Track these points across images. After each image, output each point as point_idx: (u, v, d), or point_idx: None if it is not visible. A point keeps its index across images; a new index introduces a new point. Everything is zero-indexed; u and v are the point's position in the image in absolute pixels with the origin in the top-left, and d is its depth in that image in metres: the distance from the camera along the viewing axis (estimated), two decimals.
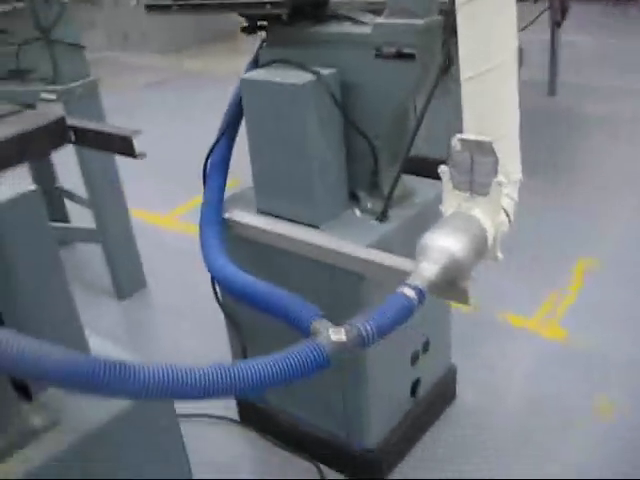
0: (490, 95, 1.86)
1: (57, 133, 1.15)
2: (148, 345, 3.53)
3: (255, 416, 2.84)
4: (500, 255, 1.96)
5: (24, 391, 1.60)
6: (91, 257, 4.23)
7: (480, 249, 1.87)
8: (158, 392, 1.31)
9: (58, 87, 3.48)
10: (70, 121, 1.16)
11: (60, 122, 1.15)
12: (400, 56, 2.12)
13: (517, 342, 3.29)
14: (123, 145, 1.13)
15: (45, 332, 1.41)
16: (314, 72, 2.17)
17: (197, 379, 1.35)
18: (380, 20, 2.14)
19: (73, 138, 1.17)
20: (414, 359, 2.59)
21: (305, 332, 1.67)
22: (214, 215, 2.36)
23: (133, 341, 3.57)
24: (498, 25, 1.80)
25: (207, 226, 2.31)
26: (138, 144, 1.26)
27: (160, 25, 9.67)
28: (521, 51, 6.04)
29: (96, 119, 3.65)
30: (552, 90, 6.64)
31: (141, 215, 4.51)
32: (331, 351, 1.53)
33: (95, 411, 1.57)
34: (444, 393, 2.86)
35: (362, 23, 2.25)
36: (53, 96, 3.50)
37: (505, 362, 3.16)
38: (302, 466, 2.67)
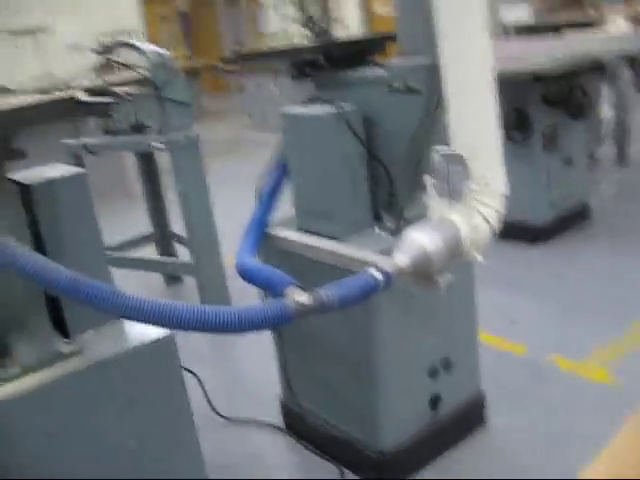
0: (469, 116, 2.17)
1: (70, 104, 1.61)
2: (224, 363, 3.93)
3: (295, 422, 3.14)
4: (479, 257, 2.21)
5: (62, 330, 2.04)
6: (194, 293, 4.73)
7: (453, 248, 2.14)
8: (136, 315, 1.71)
9: (166, 137, 4.10)
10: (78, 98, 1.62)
11: (71, 99, 1.61)
12: (408, 91, 2.48)
13: (560, 382, 3.38)
14: (105, 108, 1.59)
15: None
16: (337, 106, 2.57)
17: (180, 312, 1.73)
18: (392, 61, 2.53)
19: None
20: (433, 373, 2.81)
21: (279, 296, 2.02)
22: (255, 228, 2.77)
23: (215, 360, 4.00)
24: (474, 55, 2.14)
25: (246, 235, 2.72)
26: None
27: None
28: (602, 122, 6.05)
29: (196, 166, 4.24)
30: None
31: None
32: (293, 309, 1.87)
33: (110, 348, 1.98)
34: (470, 416, 3.02)
35: (382, 66, 2.63)
36: (161, 145, 4.12)
37: (542, 399, 3.26)
38: (327, 467, 2.92)
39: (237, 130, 11.49)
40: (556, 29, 7.31)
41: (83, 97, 1.65)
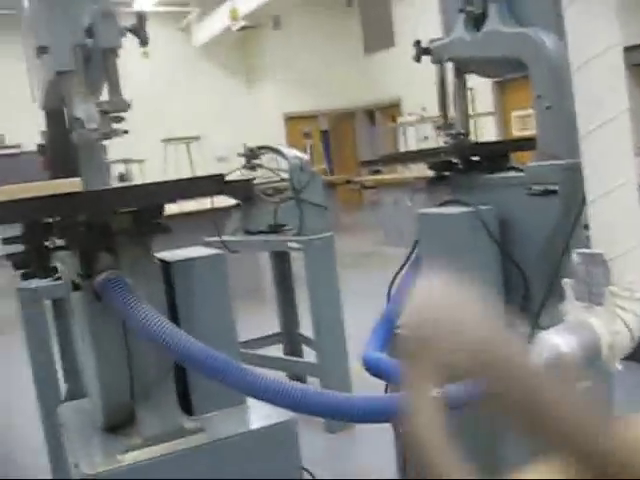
0: (611, 215, 2.10)
1: (218, 180, 1.71)
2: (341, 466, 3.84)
3: None
4: (619, 366, 2.08)
5: (187, 407, 2.07)
6: None
7: (590, 353, 2.03)
8: (262, 393, 1.73)
9: (302, 238, 4.21)
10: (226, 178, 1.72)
11: (221, 176, 1.71)
12: (546, 193, 2.44)
13: None
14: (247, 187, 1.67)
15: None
16: (472, 207, 2.56)
17: (306, 394, 1.74)
18: (531, 164, 2.51)
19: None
20: None
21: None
22: (384, 325, 2.75)
23: (332, 463, 3.90)
24: (615, 153, 2.09)
25: (374, 331, 2.70)
26: None
27: None
28: None
29: (329, 268, 4.31)
30: None
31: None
32: None
33: (231, 428, 1.99)
34: None
35: (518, 169, 2.62)
36: (298, 245, 4.24)
37: None
38: None
39: (371, 244, 11.66)
40: None
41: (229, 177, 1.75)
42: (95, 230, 1.76)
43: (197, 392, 2.08)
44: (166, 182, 1.72)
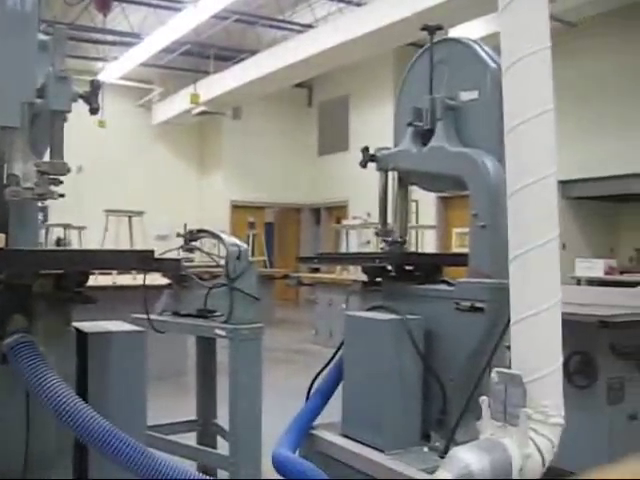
0: (532, 339, 2.14)
1: (147, 255, 1.68)
2: None
3: None
4: None
5: None
6: None
7: (500, 473, 2.01)
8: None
9: (229, 326, 4.15)
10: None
11: (150, 251, 1.68)
12: (473, 309, 2.48)
13: None
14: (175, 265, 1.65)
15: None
16: (400, 315, 2.59)
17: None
18: (461, 280, 2.56)
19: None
20: None
21: None
22: (298, 425, 2.71)
23: None
24: (541, 278, 2.14)
25: (288, 430, 2.65)
26: None
27: None
28: None
29: (254, 360, 4.23)
30: None
31: None
32: None
33: None
34: None
35: (450, 284, 2.67)
36: (223, 332, 4.17)
37: None
38: None
39: (301, 342, 11.56)
40: (632, 285, 7.33)
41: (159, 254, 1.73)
42: (13, 290, 1.71)
43: (96, 472, 1.98)
44: (93, 250, 1.69)
